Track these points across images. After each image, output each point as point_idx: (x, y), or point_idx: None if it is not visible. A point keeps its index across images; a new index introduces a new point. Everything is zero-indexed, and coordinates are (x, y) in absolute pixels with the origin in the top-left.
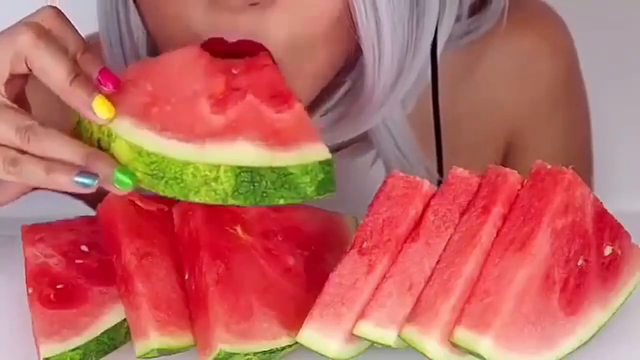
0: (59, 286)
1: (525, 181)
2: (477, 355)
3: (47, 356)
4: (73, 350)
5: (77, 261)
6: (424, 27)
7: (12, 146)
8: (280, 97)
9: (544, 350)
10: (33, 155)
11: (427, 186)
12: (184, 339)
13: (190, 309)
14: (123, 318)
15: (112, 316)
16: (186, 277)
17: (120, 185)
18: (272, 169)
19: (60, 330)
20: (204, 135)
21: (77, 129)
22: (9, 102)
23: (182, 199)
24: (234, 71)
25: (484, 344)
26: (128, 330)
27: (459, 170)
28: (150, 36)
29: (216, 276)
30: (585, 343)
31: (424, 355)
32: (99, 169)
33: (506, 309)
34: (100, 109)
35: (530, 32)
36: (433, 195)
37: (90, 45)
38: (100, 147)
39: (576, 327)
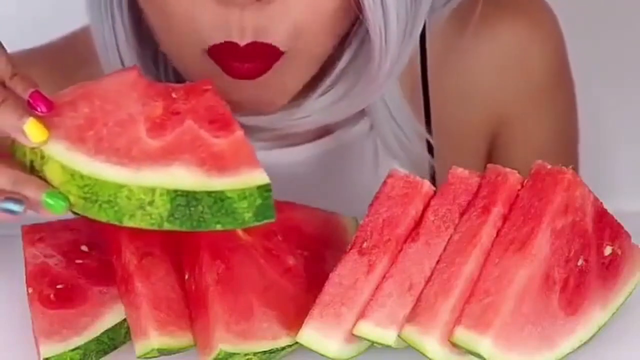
0: (59, 286)
1: (525, 181)
2: (477, 355)
3: (47, 356)
4: (73, 350)
5: (77, 261)
6: (421, 5)
7: None
8: (219, 122)
9: (544, 350)
10: None
11: (427, 186)
12: (184, 339)
13: (190, 309)
14: (123, 318)
15: (112, 316)
16: (186, 277)
17: (51, 209)
18: (209, 193)
19: (60, 330)
20: (139, 159)
21: (12, 148)
22: None
23: (116, 223)
24: (174, 95)
25: (484, 344)
26: (128, 330)
27: (459, 170)
28: (153, 34)
29: (216, 276)
30: (585, 343)
31: (424, 355)
32: (27, 193)
33: (506, 309)
34: (31, 133)
35: (520, 20)
36: (433, 195)
37: (21, 65)
38: (33, 169)
39: (576, 327)
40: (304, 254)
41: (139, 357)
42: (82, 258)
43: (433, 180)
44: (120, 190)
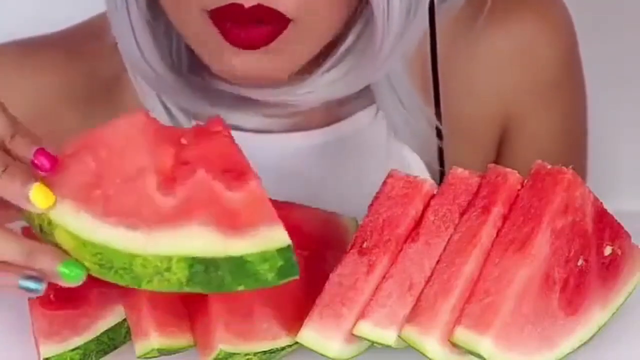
0: (59, 286)
1: (525, 181)
2: (477, 355)
3: (47, 356)
4: (73, 350)
5: None
6: None
7: None
8: (234, 172)
9: (544, 350)
10: None
11: (427, 186)
12: (184, 339)
13: (190, 309)
14: (123, 318)
15: (112, 316)
16: None
17: (68, 279)
18: (227, 259)
19: (60, 331)
20: (152, 220)
21: (23, 212)
22: None
23: (135, 287)
24: (183, 141)
25: (484, 344)
26: (128, 330)
27: (459, 170)
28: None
29: None
30: (585, 343)
31: (424, 355)
32: (42, 265)
33: (506, 309)
34: (37, 200)
35: (531, 13)
36: (433, 195)
37: (20, 124)
38: (43, 232)
39: (576, 327)
40: (304, 254)
41: (139, 357)
42: None
43: (441, 162)
44: (134, 259)
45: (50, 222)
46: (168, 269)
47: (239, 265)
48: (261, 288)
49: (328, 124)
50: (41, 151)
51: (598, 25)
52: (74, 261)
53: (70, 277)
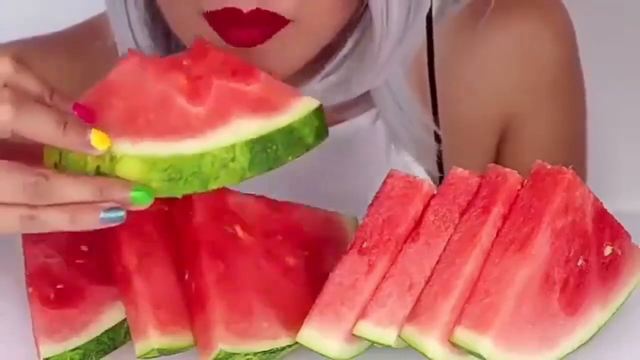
0: (59, 286)
1: (525, 181)
2: (477, 355)
3: (47, 356)
4: (73, 350)
5: (77, 261)
6: None
7: (23, 203)
8: (242, 73)
9: (544, 350)
10: (49, 205)
11: (427, 186)
12: (184, 338)
13: (190, 309)
14: (123, 318)
15: (112, 316)
16: (186, 277)
17: (140, 201)
18: (279, 130)
19: (60, 330)
20: (200, 127)
21: (59, 168)
22: (3, 162)
23: (201, 190)
24: (185, 63)
25: (484, 344)
26: (128, 330)
27: (459, 170)
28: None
29: (216, 276)
30: (585, 343)
31: (424, 355)
32: (115, 195)
33: (506, 309)
34: (99, 142)
35: (531, 15)
36: (433, 195)
37: (41, 51)
38: (101, 174)
39: (576, 327)
40: (304, 254)
41: (139, 357)
42: (82, 258)
43: (440, 168)
44: (203, 159)
45: (112, 159)
46: (233, 159)
47: (288, 134)
48: (304, 153)
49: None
50: (78, 104)
51: (598, 26)
52: (141, 185)
53: (142, 200)
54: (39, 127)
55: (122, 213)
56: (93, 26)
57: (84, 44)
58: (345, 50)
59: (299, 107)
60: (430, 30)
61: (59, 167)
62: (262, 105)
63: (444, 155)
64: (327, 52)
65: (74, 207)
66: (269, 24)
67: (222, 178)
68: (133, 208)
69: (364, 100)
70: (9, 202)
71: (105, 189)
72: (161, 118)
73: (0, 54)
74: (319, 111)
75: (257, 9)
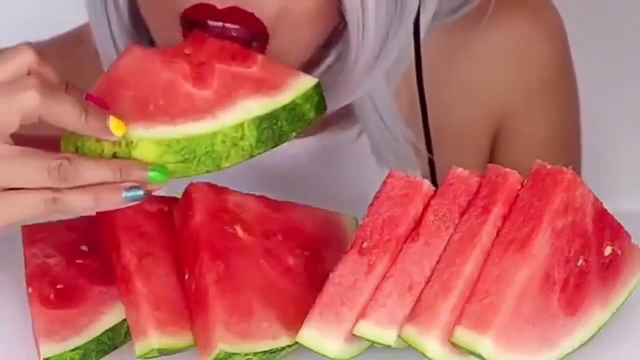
0: (59, 286)
1: (525, 181)
2: (477, 355)
3: (47, 356)
4: (73, 350)
5: (77, 261)
6: (407, 1)
7: (46, 187)
8: (241, 56)
9: (544, 350)
10: (72, 188)
11: (427, 186)
12: (184, 339)
13: (190, 309)
14: (123, 318)
15: (112, 316)
16: (186, 277)
17: (157, 181)
18: (283, 107)
19: (60, 330)
20: (209, 109)
21: (80, 152)
22: (25, 148)
23: (214, 170)
24: (186, 51)
25: (484, 344)
26: (128, 330)
27: (459, 170)
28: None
29: (216, 276)
30: (585, 343)
31: (424, 355)
32: (134, 175)
33: (506, 309)
34: (116, 129)
35: (525, 17)
36: (433, 195)
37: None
38: (117, 158)
39: (576, 327)
40: (304, 254)
41: (139, 357)
42: (82, 258)
43: (433, 179)
44: (215, 138)
45: (128, 144)
46: (242, 137)
47: (291, 110)
48: (305, 128)
49: (313, 134)
50: (90, 95)
51: (597, 26)
52: (158, 165)
53: (159, 179)
54: (64, 113)
55: (142, 192)
56: (79, 32)
57: (69, 48)
58: (326, 63)
59: (299, 85)
60: (418, 41)
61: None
62: (264, 85)
63: (436, 156)
64: (309, 66)
65: (96, 188)
66: (245, 24)
67: (233, 157)
68: (151, 188)
69: (348, 114)
70: (32, 186)
71: (125, 169)
72: (170, 103)
73: (23, 44)
74: (317, 87)
75: (234, 7)
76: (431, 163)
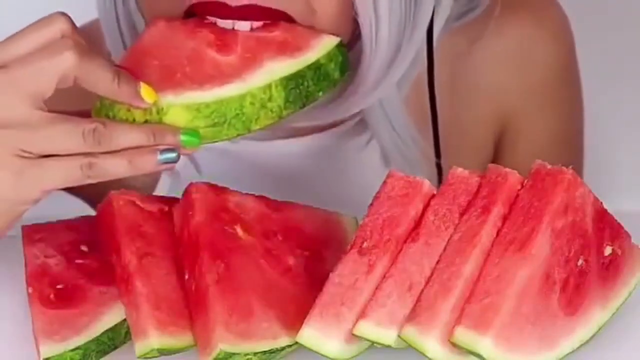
0: (59, 286)
1: (525, 181)
2: (477, 355)
3: (47, 356)
4: (73, 350)
5: (77, 261)
6: (421, 9)
7: (81, 152)
8: (264, 23)
9: (544, 350)
10: (107, 152)
11: (427, 186)
12: (184, 339)
13: (190, 309)
14: (123, 318)
15: (112, 316)
16: (186, 277)
17: (190, 144)
18: (309, 67)
19: (60, 330)
20: (235, 73)
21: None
22: (58, 114)
23: (244, 132)
24: (209, 19)
25: (484, 344)
26: (128, 330)
27: (459, 170)
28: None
29: (216, 276)
30: (585, 343)
31: (424, 355)
32: (167, 139)
33: (506, 309)
34: (147, 95)
35: (529, 16)
36: (433, 196)
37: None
38: None
39: (576, 327)
40: (304, 254)
41: (139, 357)
42: (82, 258)
43: (440, 183)
44: (244, 100)
45: (159, 112)
46: (270, 98)
47: (316, 69)
48: (332, 89)
49: (315, 132)
50: (118, 65)
51: (597, 25)
52: (189, 129)
53: (192, 142)
54: (99, 76)
55: (176, 154)
56: (87, 30)
57: None
58: None
59: (322, 44)
60: (431, 49)
61: None
62: (287, 47)
63: (442, 159)
64: None
65: (131, 152)
66: (263, 17)
67: (262, 118)
68: (184, 151)
69: (358, 120)
70: (68, 152)
71: (158, 133)
72: (197, 70)
73: (57, 13)
74: (341, 46)
75: (249, 5)
76: (439, 167)
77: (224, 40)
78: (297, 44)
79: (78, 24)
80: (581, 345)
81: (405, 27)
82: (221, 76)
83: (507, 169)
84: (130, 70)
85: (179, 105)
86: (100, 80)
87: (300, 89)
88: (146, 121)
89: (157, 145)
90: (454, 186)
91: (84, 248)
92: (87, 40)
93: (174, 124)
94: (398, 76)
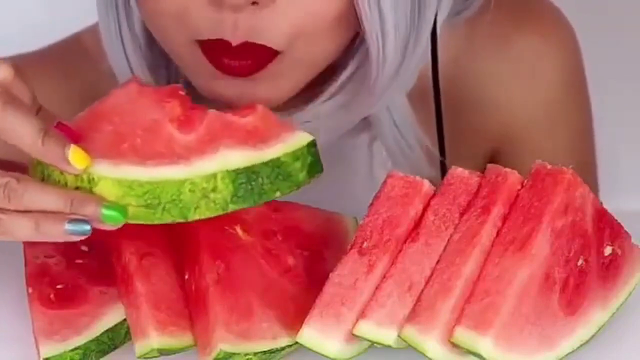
0: (59, 286)
1: (525, 181)
2: (477, 355)
3: (47, 356)
4: (73, 350)
5: (77, 261)
6: (425, 15)
7: None
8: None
9: (544, 350)
10: (16, 211)
11: (427, 186)
12: (184, 339)
13: (190, 309)
14: (123, 318)
15: (112, 316)
16: (186, 277)
17: (111, 220)
18: (266, 164)
19: (60, 330)
20: (186, 155)
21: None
22: None
23: (181, 220)
24: (181, 92)
25: (484, 344)
26: (128, 330)
27: (459, 170)
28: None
29: (216, 276)
30: (585, 343)
31: (424, 355)
32: (86, 210)
33: (506, 309)
34: (76, 160)
35: (533, 31)
36: (433, 195)
37: (30, 68)
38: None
39: (576, 327)
40: (304, 254)
41: (139, 357)
42: (82, 258)
43: None
44: (182, 186)
45: (90, 180)
46: (214, 189)
47: (275, 168)
48: (294, 190)
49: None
50: (61, 123)
51: (597, 26)
52: (115, 203)
53: (114, 218)
54: (19, 130)
55: (87, 227)
56: (82, 44)
57: (76, 63)
58: (347, 73)
59: (290, 141)
60: (435, 52)
61: None
62: (252, 137)
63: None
64: (329, 74)
65: (39, 215)
66: (258, 56)
67: (203, 209)
68: (103, 226)
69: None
70: None
71: (77, 201)
72: (148, 143)
73: (3, 60)
74: (312, 146)
75: (246, 42)
76: (442, 165)
77: (190, 116)
78: (264, 135)
79: (78, 26)
80: (581, 345)
81: (410, 36)
82: (170, 155)
83: (507, 169)
84: (80, 131)
85: (111, 178)
86: (22, 134)
87: (252, 185)
88: (77, 188)
89: (73, 214)
90: (454, 186)
91: (84, 248)
92: (33, 90)
93: (105, 195)
94: (405, 79)
